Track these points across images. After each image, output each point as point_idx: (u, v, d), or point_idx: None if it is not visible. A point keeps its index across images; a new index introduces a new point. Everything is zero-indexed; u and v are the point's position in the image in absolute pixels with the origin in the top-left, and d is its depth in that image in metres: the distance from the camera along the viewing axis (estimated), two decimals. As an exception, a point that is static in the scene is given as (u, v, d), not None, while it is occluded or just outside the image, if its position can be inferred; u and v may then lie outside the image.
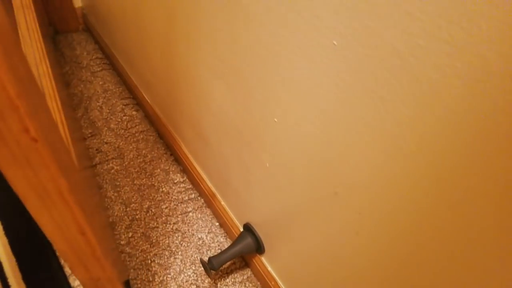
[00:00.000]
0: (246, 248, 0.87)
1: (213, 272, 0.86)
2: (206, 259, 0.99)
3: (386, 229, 0.47)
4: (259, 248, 0.88)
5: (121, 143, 1.27)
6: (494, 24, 0.27)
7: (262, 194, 0.77)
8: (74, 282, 0.95)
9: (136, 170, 1.20)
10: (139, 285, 0.95)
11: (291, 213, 0.69)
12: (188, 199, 1.14)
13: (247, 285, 0.96)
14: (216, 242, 1.04)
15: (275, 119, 0.60)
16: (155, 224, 1.08)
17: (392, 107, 0.38)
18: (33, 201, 0.45)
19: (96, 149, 1.23)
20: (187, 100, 0.94)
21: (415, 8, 0.31)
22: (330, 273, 0.65)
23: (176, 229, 1.06)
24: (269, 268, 0.89)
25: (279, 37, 0.49)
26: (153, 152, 1.26)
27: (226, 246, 1.00)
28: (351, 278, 0.60)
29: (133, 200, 1.12)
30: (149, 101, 1.29)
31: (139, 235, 1.04)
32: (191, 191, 1.16)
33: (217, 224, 1.08)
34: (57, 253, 0.98)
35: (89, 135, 1.27)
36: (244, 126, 0.70)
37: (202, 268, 0.98)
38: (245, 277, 0.98)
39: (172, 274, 0.97)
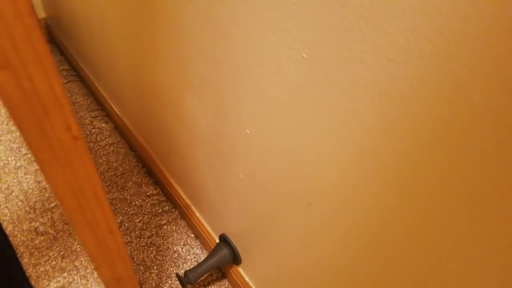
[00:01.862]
0: (223, 260, 0.86)
1: (189, 286, 0.84)
2: (182, 272, 0.97)
3: (361, 238, 0.48)
4: (235, 259, 0.87)
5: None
6: (461, 37, 0.27)
7: (237, 205, 0.76)
8: (45, 303, 0.91)
9: (107, 184, 1.17)
10: (113, 303, 0.93)
11: (266, 223, 0.68)
12: (162, 212, 1.11)
13: (225, 297, 0.95)
14: (192, 254, 1.03)
15: (247, 131, 0.60)
16: (129, 238, 1.05)
17: (362, 119, 0.38)
18: (69, 201, 0.45)
19: (65, 164, 1.19)
20: (159, 111, 0.92)
21: (383, 21, 0.31)
22: (307, 281, 0.65)
23: (151, 242, 1.04)
24: (247, 279, 0.89)
25: (249, 49, 0.49)
26: (124, 165, 1.23)
27: (202, 258, 0.99)
28: (328, 286, 0.60)
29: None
30: (118, 113, 1.27)
31: (112, 251, 1.01)
32: (165, 204, 1.14)
33: (192, 235, 1.06)
34: (23, 266, 0.94)
35: (57, 149, 1.23)
36: (217, 138, 0.70)
37: (178, 282, 0.96)
38: (222, 288, 0.97)
39: (147, 289, 0.95)
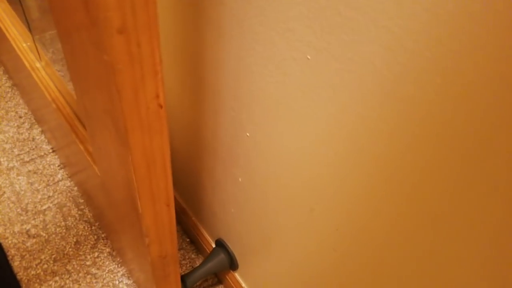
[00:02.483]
0: (220, 265, 0.85)
1: (185, 291, 0.83)
2: (177, 277, 0.96)
3: (364, 244, 0.47)
4: (232, 264, 0.85)
5: (85, 159, 1.22)
6: (475, 39, 0.27)
7: (235, 209, 0.75)
8: (36, 308, 0.89)
9: (101, 186, 1.15)
10: (106, 308, 0.91)
11: (265, 228, 0.67)
12: (157, 215, 1.10)
13: (220, 303, 0.94)
14: (187, 259, 1.01)
15: (247, 134, 0.59)
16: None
17: (369, 124, 0.38)
18: (141, 171, 0.47)
19: (58, 165, 1.18)
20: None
21: (393, 23, 0.31)
22: (308, 285, 0.64)
23: (145, 247, 1.03)
24: (243, 285, 0.87)
25: (251, 50, 0.48)
26: (119, 167, 1.21)
27: (198, 263, 0.98)
28: (328, 293, 0.59)
29: (99, 219, 1.07)
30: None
31: (105, 254, 1.00)
32: (160, 207, 1.12)
33: (187, 240, 1.05)
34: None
35: (51, 151, 1.21)
36: (216, 141, 0.69)
37: (173, 287, 0.94)
38: (218, 294, 0.95)
39: (141, 294, 0.93)
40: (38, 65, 0.91)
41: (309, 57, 0.40)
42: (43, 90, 0.86)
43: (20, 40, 0.97)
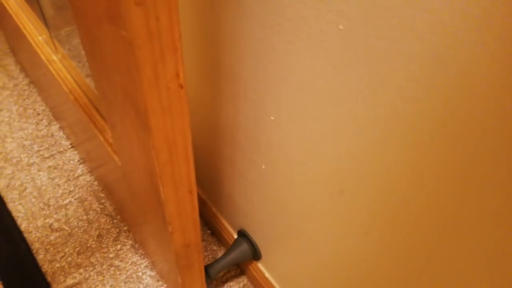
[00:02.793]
0: (242, 255, 0.83)
1: (208, 281, 0.81)
2: (199, 268, 0.95)
3: (400, 227, 0.45)
4: (255, 255, 0.84)
5: (104, 152, 1.22)
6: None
7: (258, 198, 0.73)
8: (61, 301, 0.89)
9: (121, 179, 1.15)
10: (130, 300, 0.91)
11: (290, 216, 0.65)
12: (178, 207, 1.09)
13: (244, 294, 0.92)
14: (209, 251, 1.00)
15: (272, 118, 0.57)
16: (144, 235, 1.03)
17: (409, 96, 0.35)
18: (163, 156, 0.46)
19: (78, 161, 1.18)
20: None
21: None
22: (336, 277, 0.62)
23: (167, 239, 1.02)
24: (267, 275, 0.86)
25: (276, 26, 0.46)
26: (138, 160, 1.21)
27: (219, 255, 0.96)
28: (360, 282, 0.57)
29: (121, 212, 1.07)
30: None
31: (128, 247, 0.99)
32: (180, 199, 1.11)
33: (208, 232, 1.04)
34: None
35: (70, 147, 1.21)
36: (237, 128, 0.67)
37: (196, 279, 0.93)
38: (241, 284, 0.94)
39: (164, 286, 0.93)
40: (54, 57, 0.90)
41: (341, 27, 0.37)
42: (60, 82, 0.85)
43: (36, 34, 0.96)
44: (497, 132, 0.30)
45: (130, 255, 0.98)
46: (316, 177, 0.54)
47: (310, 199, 0.58)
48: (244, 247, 0.83)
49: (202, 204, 1.00)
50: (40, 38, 0.95)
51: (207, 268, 0.80)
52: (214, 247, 1.01)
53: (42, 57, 0.92)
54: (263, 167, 0.66)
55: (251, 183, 0.72)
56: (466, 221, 0.37)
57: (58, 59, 0.90)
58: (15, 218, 1.03)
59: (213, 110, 0.71)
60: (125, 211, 0.92)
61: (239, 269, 0.96)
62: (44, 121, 1.28)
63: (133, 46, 0.36)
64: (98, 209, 1.07)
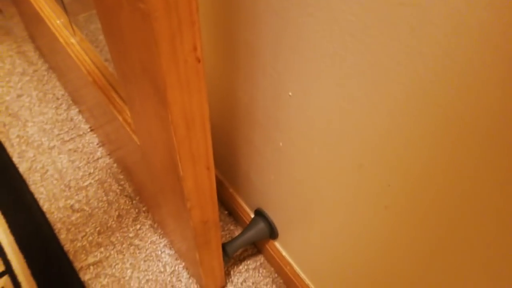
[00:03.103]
0: (259, 234, 0.84)
1: (226, 259, 0.83)
2: (217, 247, 0.96)
3: (420, 200, 0.45)
4: (272, 233, 0.85)
5: (122, 136, 1.24)
6: None
7: (275, 176, 0.74)
8: (84, 276, 0.92)
9: (139, 162, 1.17)
10: (150, 276, 0.93)
11: (308, 192, 0.66)
12: (195, 189, 1.11)
13: (261, 271, 0.94)
14: (226, 230, 1.02)
15: (290, 93, 0.57)
16: (163, 215, 1.05)
17: (432, 61, 0.35)
18: (181, 131, 0.46)
19: (97, 143, 1.20)
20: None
21: None
22: (354, 252, 0.62)
23: (185, 219, 1.04)
24: (284, 253, 0.87)
25: None
26: (155, 143, 1.22)
27: (236, 234, 0.98)
28: (379, 259, 0.57)
29: (140, 193, 1.09)
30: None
31: (147, 227, 1.01)
32: (197, 180, 1.13)
33: (226, 212, 1.05)
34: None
35: (89, 130, 1.23)
36: (254, 105, 0.67)
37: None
38: (258, 263, 0.95)
39: (183, 264, 0.95)
40: (73, 40, 0.91)
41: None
42: (79, 65, 0.87)
43: (54, 17, 0.98)
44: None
45: (149, 234, 1.00)
46: (334, 152, 0.54)
47: (328, 175, 0.58)
48: (261, 225, 0.84)
49: (219, 185, 1.01)
50: (58, 21, 0.96)
51: (224, 246, 0.82)
52: (231, 227, 1.02)
53: (61, 40, 0.94)
54: (281, 144, 0.66)
55: (268, 162, 0.73)
56: (486, 192, 0.37)
57: (77, 42, 0.92)
58: (37, 199, 1.06)
59: (230, 87, 0.71)
60: (144, 192, 0.94)
61: (256, 248, 0.97)
62: (63, 105, 1.30)
63: (151, 18, 0.36)
64: (117, 190, 1.09)
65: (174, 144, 0.50)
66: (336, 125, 0.51)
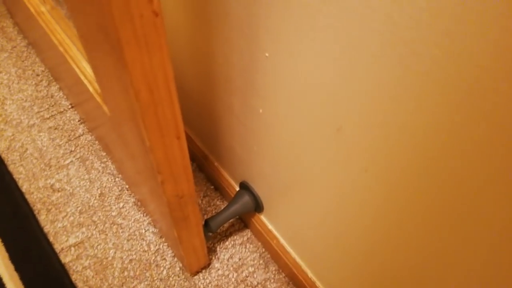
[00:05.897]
0: (244, 207, 0.81)
1: (210, 234, 0.80)
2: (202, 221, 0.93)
3: (399, 162, 0.41)
4: (257, 207, 0.81)
5: (104, 112, 1.19)
6: None
7: (257, 146, 0.70)
8: (65, 258, 0.89)
9: (122, 138, 1.12)
10: (133, 256, 0.90)
11: (290, 162, 0.62)
12: (180, 164, 1.07)
13: (247, 247, 0.91)
14: (212, 206, 0.98)
15: (267, 54, 0.52)
16: (147, 192, 1.01)
17: (412, 22, 0.31)
18: (144, 95, 0.43)
19: (78, 120, 1.15)
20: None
21: None
22: (338, 221, 0.59)
23: (169, 196, 1.00)
24: (270, 227, 0.84)
25: None
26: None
27: (223, 209, 0.95)
28: (363, 225, 0.54)
29: (121, 170, 1.05)
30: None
31: (130, 204, 0.98)
32: (183, 156, 1.09)
33: (212, 187, 1.02)
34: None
35: (70, 107, 1.19)
36: (231, 69, 0.63)
37: (200, 234, 0.92)
38: (245, 238, 0.92)
39: (168, 242, 0.92)
40: (43, 9, 0.86)
41: None
42: (49, 35, 0.81)
43: (23, -13, 0.92)
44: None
45: (132, 212, 0.96)
46: (313, 117, 0.50)
47: (308, 141, 0.54)
48: (246, 198, 0.80)
49: (204, 159, 0.97)
50: (27, -10, 0.90)
51: (208, 221, 0.78)
52: (218, 202, 0.99)
53: (31, 9, 0.88)
54: (261, 111, 0.62)
55: (250, 131, 0.69)
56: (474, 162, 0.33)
57: (47, 10, 0.86)
58: (16, 179, 1.02)
59: (206, 49, 0.67)
60: (124, 168, 0.90)
61: (243, 222, 0.94)
62: (43, 82, 1.25)
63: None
64: (100, 168, 1.05)
65: (137, 110, 0.45)
66: (313, 88, 0.47)
